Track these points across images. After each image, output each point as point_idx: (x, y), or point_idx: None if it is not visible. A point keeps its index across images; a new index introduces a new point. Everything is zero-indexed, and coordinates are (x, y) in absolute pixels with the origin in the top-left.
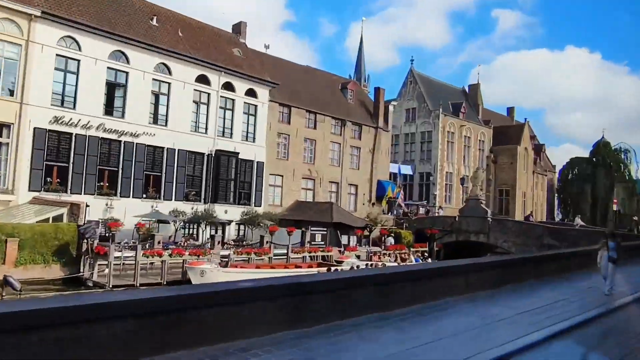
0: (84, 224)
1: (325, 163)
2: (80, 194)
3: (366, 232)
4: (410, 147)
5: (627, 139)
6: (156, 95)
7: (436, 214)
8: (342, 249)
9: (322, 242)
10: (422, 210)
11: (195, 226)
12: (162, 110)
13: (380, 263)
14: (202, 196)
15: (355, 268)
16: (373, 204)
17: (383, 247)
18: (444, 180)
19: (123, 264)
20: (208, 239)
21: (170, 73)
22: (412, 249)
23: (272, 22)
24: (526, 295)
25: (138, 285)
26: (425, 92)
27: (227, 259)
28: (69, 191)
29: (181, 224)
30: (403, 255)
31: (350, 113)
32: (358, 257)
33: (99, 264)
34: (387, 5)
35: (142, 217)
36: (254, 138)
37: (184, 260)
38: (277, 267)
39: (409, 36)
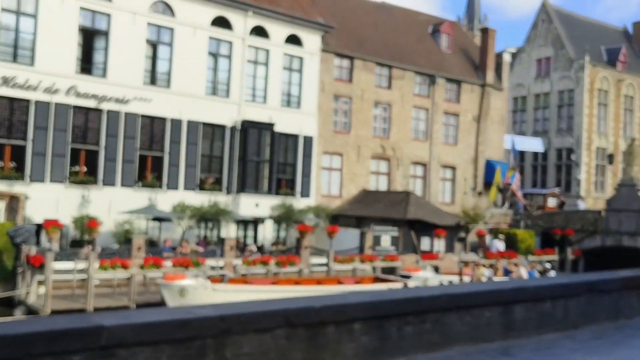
0: (20, 224)
1: (405, 137)
2: (44, 181)
3: (462, 234)
4: (543, 113)
5: None
6: (153, 46)
7: (576, 208)
8: (418, 257)
9: (393, 247)
10: (551, 203)
11: (212, 225)
12: (162, 66)
13: (469, 277)
14: (225, 184)
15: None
16: (480, 193)
17: (482, 254)
18: (593, 159)
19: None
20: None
21: (173, 14)
22: (530, 258)
23: None
24: None
25: (92, 309)
26: (564, 35)
27: (227, 272)
28: (27, 178)
29: (191, 222)
30: (510, 267)
31: (445, 66)
32: (436, 268)
33: (38, 281)
34: None
35: (131, 213)
36: (298, 103)
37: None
38: (306, 283)
39: None
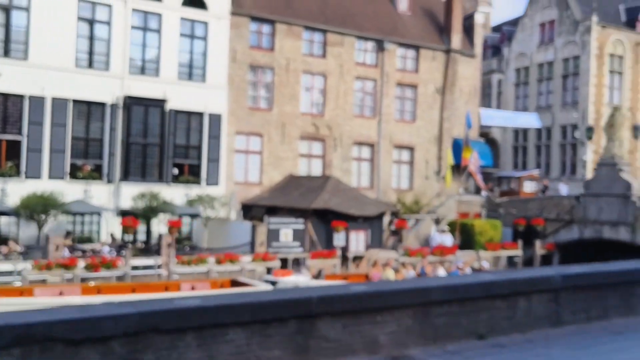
0: None
1: (345, 113)
2: None
3: (393, 226)
4: (547, 85)
5: None
6: (5, 11)
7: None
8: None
9: (297, 243)
10: (529, 187)
11: (92, 219)
12: (16, 35)
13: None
14: (105, 172)
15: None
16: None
17: (401, 250)
18: (602, 137)
19: None
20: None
21: None
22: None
23: None
24: None
25: None
26: None
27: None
28: None
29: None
30: (426, 267)
31: (399, 29)
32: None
33: None
34: None
35: None
36: (203, 76)
37: None
38: (121, 291)
39: None
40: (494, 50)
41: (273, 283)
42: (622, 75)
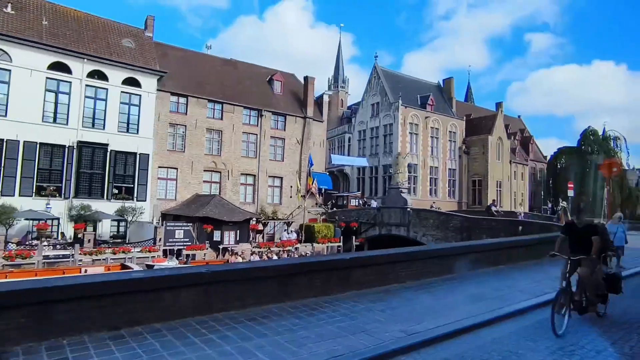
0: None
1: (236, 155)
2: None
3: (260, 227)
4: (375, 140)
5: None
6: None
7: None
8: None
9: (187, 239)
10: (354, 202)
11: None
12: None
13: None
14: (63, 191)
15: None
16: (303, 196)
17: (254, 243)
18: (406, 172)
19: None
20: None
21: (10, 60)
22: (315, 246)
23: (344, 57)
24: None
25: None
26: (387, 87)
27: None
28: None
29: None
30: (269, 255)
31: (273, 103)
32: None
33: None
34: (436, 36)
35: None
36: (137, 129)
37: None
38: (25, 275)
39: (454, 61)
40: (347, 120)
41: (151, 267)
42: (418, 136)
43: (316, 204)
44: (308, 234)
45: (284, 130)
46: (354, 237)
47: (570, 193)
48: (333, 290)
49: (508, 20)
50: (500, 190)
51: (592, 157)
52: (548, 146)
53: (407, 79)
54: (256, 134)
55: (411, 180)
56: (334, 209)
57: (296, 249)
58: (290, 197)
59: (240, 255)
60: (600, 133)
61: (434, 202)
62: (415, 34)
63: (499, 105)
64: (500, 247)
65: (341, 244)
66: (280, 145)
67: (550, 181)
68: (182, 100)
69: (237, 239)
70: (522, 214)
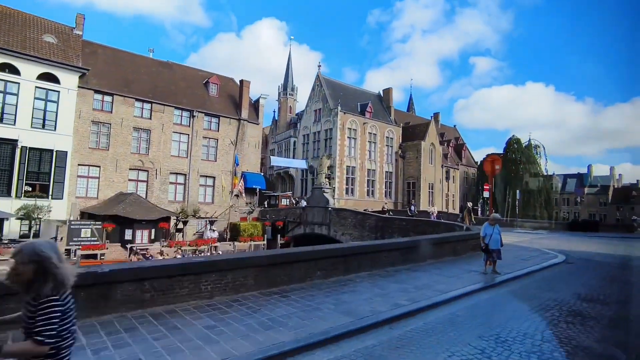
0: None
1: (165, 154)
2: None
3: (171, 225)
4: (317, 144)
5: (574, 150)
6: None
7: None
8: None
9: (94, 238)
10: (285, 202)
11: None
12: None
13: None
14: None
15: None
16: (237, 195)
17: (164, 242)
18: (344, 173)
19: None
20: None
21: None
22: (237, 244)
23: (312, 73)
24: None
25: None
26: (328, 94)
27: None
28: None
29: None
30: (178, 254)
31: (208, 105)
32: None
33: None
34: (394, 57)
35: None
36: (54, 126)
37: None
38: None
39: (410, 79)
40: (294, 125)
41: None
42: (356, 140)
43: (247, 203)
44: (234, 232)
45: (218, 131)
46: (279, 236)
47: (486, 194)
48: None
49: (456, 45)
50: (432, 191)
51: (514, 162)
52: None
53: (349, 88)
54: (188, 134)
55: (349, 182)
56: (266, 208)
57: (215, 247)
58: (223, 197)
59: (147, 255)
60: (524, 142)
61: (385, 203)
62: (375, 54)
63: (435, 115)
64: (357, 252)
65: (265, 242)
66: (213, 145)
67: (480, 183)
68: (107, 98)
69: (152, 237)
70: (435, 214)
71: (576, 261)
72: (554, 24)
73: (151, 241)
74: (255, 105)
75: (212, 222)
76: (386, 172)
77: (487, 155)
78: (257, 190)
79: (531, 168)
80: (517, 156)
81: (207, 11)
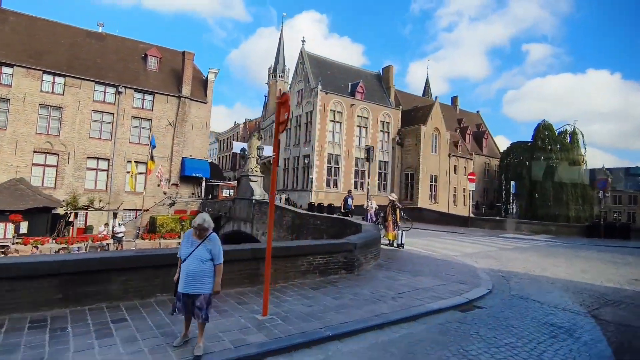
0: None
1: (81, 135)
2: None
3: (71, 219)
4: (299, 129)
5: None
6: None
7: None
8: None
9: None
10: (226, 192)
11: None
12: None
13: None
14: None
15: None
16: (176, 184)
17: (16, 238)
18: (325, 163)
19: None
20: None
21: None
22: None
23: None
24: None
25: None
26: (311, 72)
27: None
28: None
29: None
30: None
31: (142, 80)
32: None
33: None
34: (439, 48)
35: None
36: None
37: None
38: None
39: (455, 70)
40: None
41: None
42: (341, 124)
43: (193, 193)
44: (151, 227)
45: (152, 110)
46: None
47: (472, 186)
48: None
49: (508, 32)
50: (435, 185)
51: (544, 152)
52: None
53: (341, 66)
54: (113, 113)
55: (332, 172)
56: (209, 199)
57: (105, 245)
58: (158, 185)
59: (8, 252)
60: (557, 129)
61: (348, 193)
62: (418, 44)
63: (454, 99)
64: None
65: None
66: (146, 126)
67: (503, 177)
68: (6, 70)
69: (21, 232)
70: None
71: (501, 304)
72: (620, 4)
73: (18, 235)
74: (205, 83)
75: (115, 215)
76: (380, 161)
77: (510, 145)
78: (203, 179)
79: (565, 159)
80: (547, 145)
81: (248, 6)
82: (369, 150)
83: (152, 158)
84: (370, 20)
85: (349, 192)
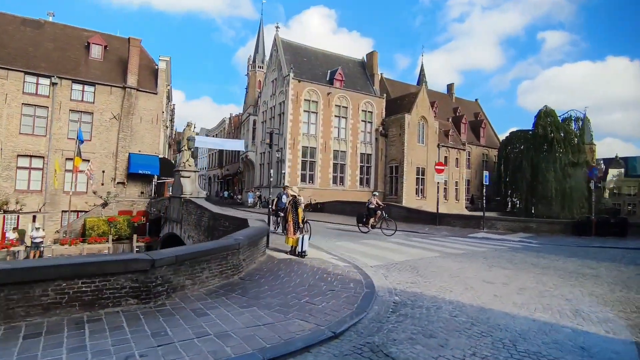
0: None
1: (10, 132)
2: None
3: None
4: (273, 121)
5: None
6: None
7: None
8: None
9: None
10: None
11: None
12: None
13: None
14: None
15: None
16: (123, 183)
17: None
18: (298, 157)
19: None
20: None
21: None
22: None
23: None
24: None
25: None
26: (285, 60)
27: None
28: None
29: None
30: None
31: (80, 70)
32: None
33: None
34: (450, 39)
35: None
36: None
37: None
38: None
39: (468, 61)
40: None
41: None
42: (317, 115)
43: (142, 192)
44: (83, 231)
45: (93, 102)
46: (135, 236)
47: (439, 177)
48: None
49: (522, 20)
50: (422, 178)
51: (545, 140)
52: None
53: (319, 52)
54: (47, 107)
55: (307, 167)
56: (156, 198)
57: (13, 253)
58: (102, 184)
59: None
60: (560, 115)
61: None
62: (429, 36)
63: (450, 87)
64: None
65: (110, 244)
66: (87, 121)
67: (502, 168)
68: None
69: None
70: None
71: None
72: None
73: None
74: (155, 72)
75: (34, 219)
76: (362, 153)
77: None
78: (155, 177)
79: (569, 147)
80: (549, 132)
81: (255, 3)
82: (271, 134)
83: (79, 154)
84: (380, 13)
85: (285, 187)
